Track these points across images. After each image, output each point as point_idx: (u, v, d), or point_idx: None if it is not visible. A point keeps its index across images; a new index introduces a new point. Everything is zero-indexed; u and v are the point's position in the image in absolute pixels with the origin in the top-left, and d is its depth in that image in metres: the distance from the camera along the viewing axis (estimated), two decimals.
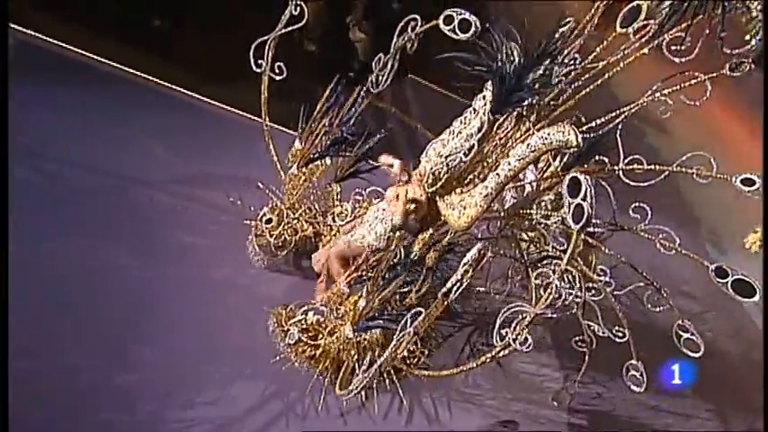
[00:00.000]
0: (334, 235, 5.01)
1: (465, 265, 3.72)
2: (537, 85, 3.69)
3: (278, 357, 4.35)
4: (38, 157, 4.84)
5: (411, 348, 4.80)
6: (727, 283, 3.84)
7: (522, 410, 5.16)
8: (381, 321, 3.97)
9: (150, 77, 6.25)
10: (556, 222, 4.25)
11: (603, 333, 4.55)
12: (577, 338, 4.77)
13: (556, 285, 3.48)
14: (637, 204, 4.06)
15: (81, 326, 4.06)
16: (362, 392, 4.26)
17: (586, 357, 4.80)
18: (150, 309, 4.39)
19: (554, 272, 3.56)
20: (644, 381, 4.26)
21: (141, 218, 4.92)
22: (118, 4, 6.30)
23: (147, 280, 4.53)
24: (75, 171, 4.98)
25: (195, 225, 5.09)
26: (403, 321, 3.58)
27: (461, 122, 4.07)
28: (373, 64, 4.82)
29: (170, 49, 6.43)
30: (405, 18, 4.44)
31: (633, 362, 4.30)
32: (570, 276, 3.61)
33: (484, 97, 3.87)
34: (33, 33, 5.76)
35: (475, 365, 3.89)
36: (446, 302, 3.78)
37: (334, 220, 5.05)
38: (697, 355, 4.14)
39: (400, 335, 3.62)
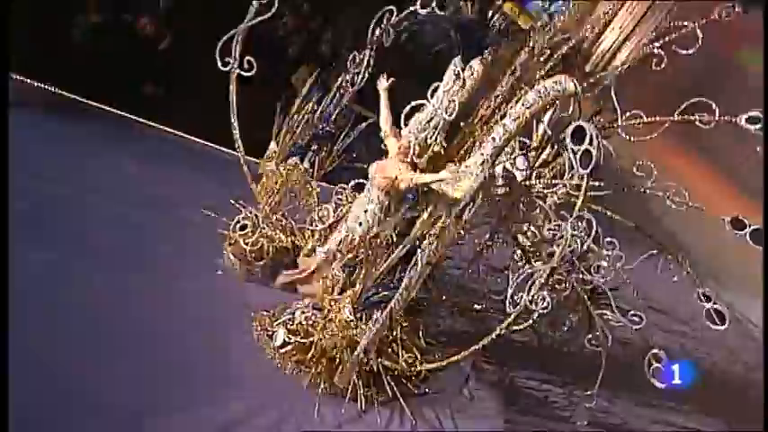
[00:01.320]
0: (317, 240, 4.66)
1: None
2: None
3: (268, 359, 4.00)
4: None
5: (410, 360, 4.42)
6: (745, 234, 3.62)
7: (528, 422, 4.79)
8: (387, 293, 3.63)
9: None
10: (558, 195, 4.01)
11: (618, 322, 4.21)
12: (590, 336, 4.40)
13: (570, 234, 3.21)
14: (640, 162, 3.85)
15: (57, 336, 3.63)
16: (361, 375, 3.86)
17: (603, 359, 4.35)
18: (129, 322, 3.95)
19: (565, 220, 3.28)
20: None
21: (120, 232, 4.59)
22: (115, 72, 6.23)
23: (124, 291, 4.14)
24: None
25: (173, 237, 4.75)
26: (415, 257, 3.22)
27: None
28: (348, 62, 4.71)
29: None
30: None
31: (655, 351, 3.74)
32: (583, 223, 3.31)
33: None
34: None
35: (487, 342, 3.50)
36: (459, 226, 3.43)
37: (314, 224, 4.72)
38: (722, 327, 3.84)
39: (411, 272, 3.24)
